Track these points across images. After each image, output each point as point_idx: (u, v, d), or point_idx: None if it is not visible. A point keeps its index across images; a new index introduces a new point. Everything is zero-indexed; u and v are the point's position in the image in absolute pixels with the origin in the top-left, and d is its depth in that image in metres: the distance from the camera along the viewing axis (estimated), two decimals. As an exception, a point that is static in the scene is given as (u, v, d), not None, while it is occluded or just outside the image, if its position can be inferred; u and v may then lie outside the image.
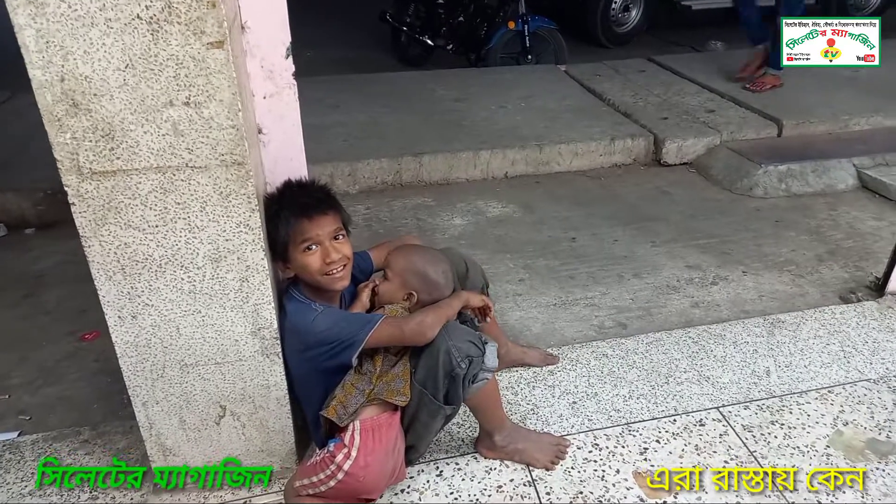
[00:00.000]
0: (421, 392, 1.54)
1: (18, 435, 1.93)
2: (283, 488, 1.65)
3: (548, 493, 1.67)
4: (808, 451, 1.79)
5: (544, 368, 2.10)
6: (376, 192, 3.57)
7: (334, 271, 1.57)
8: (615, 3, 6.47)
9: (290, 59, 1.55)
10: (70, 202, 1.32)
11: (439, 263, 1.72)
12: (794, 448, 1.80)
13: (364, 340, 1.51)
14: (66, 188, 1.30)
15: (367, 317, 1.59)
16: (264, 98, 1.57)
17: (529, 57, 5.34)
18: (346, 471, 1.49)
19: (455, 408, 1.60)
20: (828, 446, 1.81)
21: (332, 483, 1.51)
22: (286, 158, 1.65)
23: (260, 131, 1.59)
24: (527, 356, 2.12)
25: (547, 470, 1.73)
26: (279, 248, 1.54)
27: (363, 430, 1.52)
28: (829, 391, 2.01)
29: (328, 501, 1.54)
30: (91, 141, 1.27)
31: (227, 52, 1.24)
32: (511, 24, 5.27)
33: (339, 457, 1.50)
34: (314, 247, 1.55)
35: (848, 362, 2.13)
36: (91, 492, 1.69)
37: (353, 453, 1.50)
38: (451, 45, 5.64)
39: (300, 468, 1.60)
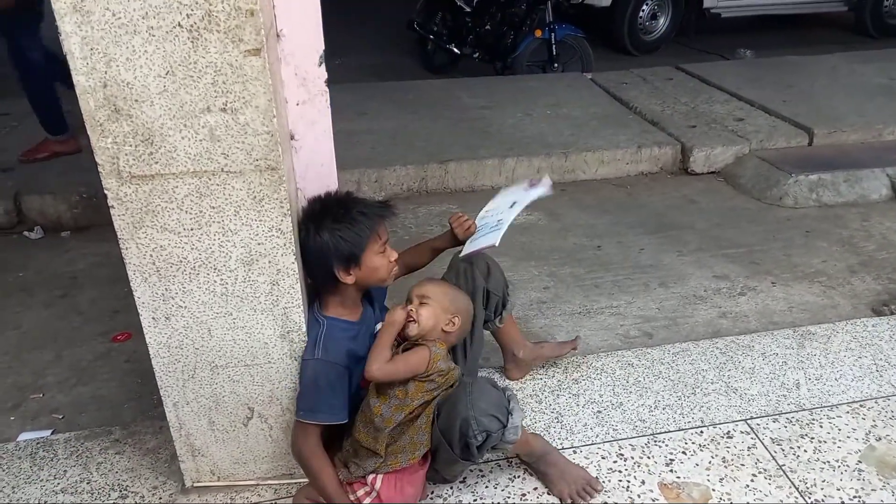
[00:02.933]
0: (439, 439, 1.54)
1: (52, 433, 1.98)
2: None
3: None
4: (838, 466, 1.76)
5: (569, 377, 2.09)
6: (402, 198, 3.59)
7: (394, 268, 1.65)
8: (643, 10, 6.44)
9: (323, 66, 1.58)
10: (109, 205, 1.35)
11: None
12: (824, 462, 1.77)
13: (300, 419, 1.55)
14: (105, 191, 1.34)
15: (322, 407, 1.55)
16: (297, 105, 1.59)
17: (556, 65, 5.34)
18: None
19: (476, 461, 1.58)
20: (859, 461, 1.77)
21: None
22: (317, 164, 1.67)
23: (292, 137, 1.61)
24: (544, 350, 2.08)
25: (562, 499, 1.66)
26: (349, 255, 1.54)
27: (386, 479, 1.55)
28: (860, 405, 1.97)
29: None
30: (131, 146, 1.30)
31: (263, 60, 1.27)
32: (538, 33, 5.28)
33: (361, 492, 1.55)
34: (384, 247, 1.61)
35: (881, 376, 2.09)
36: (121, 490, 1.72)
37: (374, 495, 1.54)
38: (477, 54, 5.66)
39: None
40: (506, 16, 5.52)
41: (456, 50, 5.70)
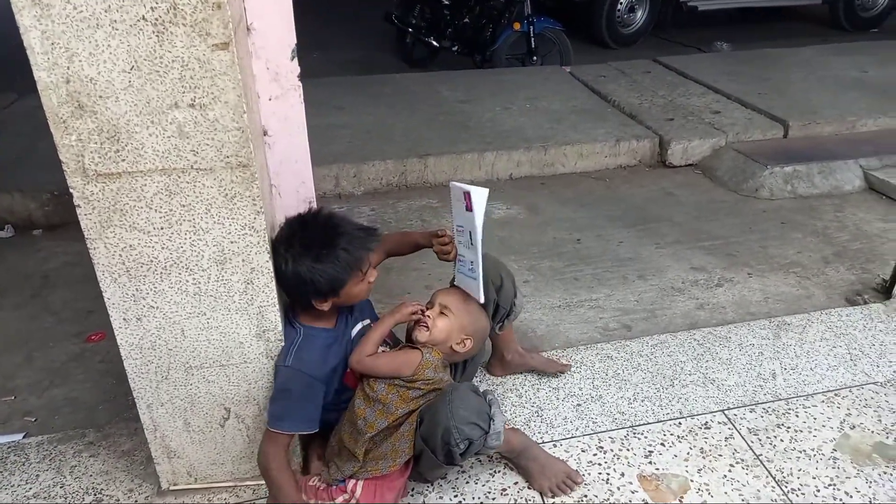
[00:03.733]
0: (422, 447, 1.53)
1: (24, 437, 1.94)
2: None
3: (552, 497, 1.66)
4: (814, 455, 1.78)
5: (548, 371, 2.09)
6: (381, 193, 3.57)
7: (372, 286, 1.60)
8: (620, 4, 6.46)
9: (296, 60, 1.55)
10: (75, 204, 1.32)
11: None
12: (800, 451, 1.79)
13: (268, 426, 1.51)
14: (71, 190, 1.31)
15: (289, 415, 1.51)
16: (270, 100, 1.57)
17: (535, 58, 5.34)
18: None
19: (461, 465, 1.58)
20: (835, 450, 1.80)
21: None
22: (291, 160, 1.65)
23: (265, 133, 1.59)
24: (533, 361, 2.07)
25: (542, 493, 1.66)
26: (330, 289, 1.49)
27: (366, 486, 1.54)
28: (835, 394, 2.00)
29: None
30: (96, 143, 1.27)
31: (232, 54, 1.24)
32: (517, 26, 5.28)
33: (340, 500, 1.53)
34: (365, 274, 1.55)
35: (855, 365, 2.12)
36: (95, 494, 1.69)
37: (353, 502, 1.53)
38: (456, 47, 5.64)
39: (302, 482, 1.59)
40: (484, 9, 5.51)
41: (434, 43, 5.67)
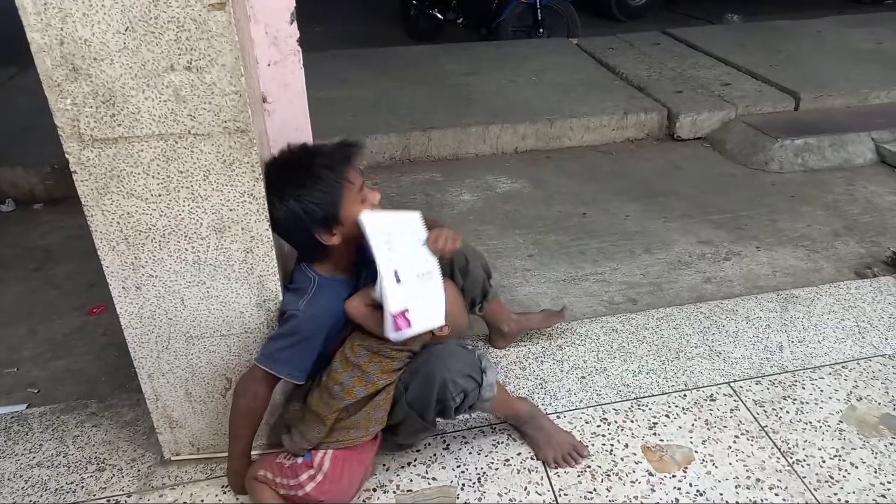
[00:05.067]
0: (408, 412, 1.51)
1: (27, 407, 1.94)
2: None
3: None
4: (820, 427, 1.77)
5: (553, 343, 2.08)
6: (384, 167, 3.53)
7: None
8: (629, -25, 6.34)
9: (295, 24, 1.51)
10: (72, 170, 1.30)
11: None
12: (806, 423, 1.78)
13: (257, 362, 1.47)
14: (67, 156, 1.28)
15: (286, 359, 1.46)
16: (268, 65, 1.53)
17: (541, 30, 5.26)
18: (308, 491, 1.47)
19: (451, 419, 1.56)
20: (841, 421, 1.78)
21: (291, 493, 1.49)
22: (291, 128, 1.62)
23: (264, 100, 1.56)
24: (530, 321, 2.05)
25: (546, 464, 1.65)
26: (327, 214, 1.41)
27: (335, 457, 1.49)
28: (842, 366, 1.97)
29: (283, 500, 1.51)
30: (92, 107, 1.24)
31: (228, 15, 1.21)
32: (522, -3, 5.19)
33: (304, 476, 1.48)
34: (362, 192, 1.45)
35: (863, 337, 2.09)
36: (98, 463, 1.69)
37: (319, 478, 1.47)
38: (461, 19, 5.56)
39: (267, 458, 1.55)
40: (490, -20, 5.41)
41: (439, 15, 5.59)
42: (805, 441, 1.72)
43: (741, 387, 1.90)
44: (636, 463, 1.67)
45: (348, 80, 4.27)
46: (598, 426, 1.78)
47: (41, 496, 1.61)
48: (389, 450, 1.68)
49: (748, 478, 1.63)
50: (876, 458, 1.67)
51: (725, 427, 1.77)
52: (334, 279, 1.54)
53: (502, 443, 1.73)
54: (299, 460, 1.50)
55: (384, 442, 1.62)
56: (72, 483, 1.64)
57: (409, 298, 1.42)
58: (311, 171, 1.40)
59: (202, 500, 1.59)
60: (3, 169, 3.20)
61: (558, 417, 1.80)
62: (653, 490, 1.60)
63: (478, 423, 1.77)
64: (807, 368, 1.97)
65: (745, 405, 1.84)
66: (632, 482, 1.62)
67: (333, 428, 1.50)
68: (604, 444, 1.72)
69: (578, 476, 1.64)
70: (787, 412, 1.81)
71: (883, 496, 1.58)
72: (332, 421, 1.49)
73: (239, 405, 1.50)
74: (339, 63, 4.53)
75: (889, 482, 1.61)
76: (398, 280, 1.42)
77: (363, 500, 1.58)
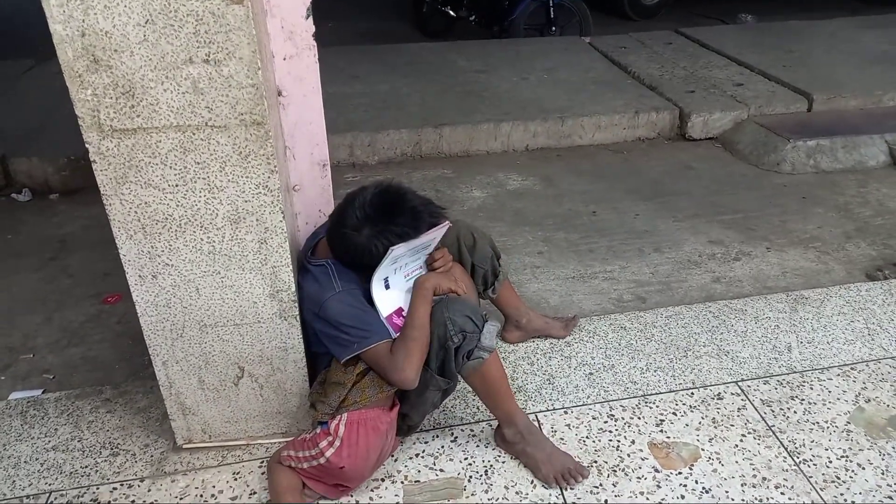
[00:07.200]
0: None
1: (42, 392, 1.97)
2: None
3: (562, 462, 1.67)
4: (827, 427, 1.77)
5: (561, 340, 2.09)
6: (395, 163, 3.55)
7: None
8: (642, -26, 6.31)
9: (311, 19, 1.53)
10: (91, 160, 1.32)
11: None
12: (813, 423, 1.78)
13: (358, 353, 1.50)
14: (87, 145, 1.31)
15: (372, 327, 1.51)
16: (284, 59, 1.55)
17: (553, 28, 5.25)
18: (328, 458, 1.50)
19: (450, 382, 1.56)
20: (848, 422, 1.78)
21: (313, 463, 1.52)
22: (306, 122, 1.64)
23: (280, 93, 1.58)
24: (550, 328, 2.08)
25: (546, 484, 1.61)
26: (369, 263, 1.52)
27: (349, 422, 1.51)
28: (851, 368, 1.97)
29: (306, 478, 1.55)
30: (112, 98, 1.27)
31: (246, 9, 1.23)
32: (535, -5, 5.18)
33: (324, 443, 1.51)
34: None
35: (872, 339, 2.09)
36: (112, 448, 1.72)
37: (337, 443, 1.50)
38: (473, 17, 5.56)
39: (293, 439, 1.61)
40: (503, -23, 5.41)
41: (451, 13, 5.59)
42: (812, 441, 1.73)
43: (749, 386, 1.91)
44: (643, 459, 1.68)
45: (360, 75, 4.28)
46: (606, 422, 1.79)
47: (56, 479, 1.64)
48: (400, 436, 1.70)
49: (754, 476, 1.63)
50: (883, 459, 1.68)
51: (732, 426, 1.77)
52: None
53: (509, 437, 1.74)
54: (318, 430, 1.54)
55: (400, 428, 1.65)
56: (86, 467, 1.67)
57: (401, 296, 1.58)
58: (416, 226, 1.51)
59: (213, 486, 1.62)
60: (19, 159, 3.25)
61: (566, 413, 1.82)
62: (658, 486, 1.61)
63: (485, 417, 1.79)
64: (815, 369, 1.97)
65: (752, 404, 1.84)
66: (638, 478, 1.63)
67: (351, 390, 1.53)
68: (610, 441, 1.73)
69: (585, 471, 1.65)
70: (795, 412, 1.82)
71: (890, 497, 1.58)
72: (352, 383, 1.53)
73: (413, 373, 1.49)
74: (351, 59, 4.54)
75: (896, 483, 1.61)
76: (387, 287, 1.56)
77: (372, 489, 1.60)
